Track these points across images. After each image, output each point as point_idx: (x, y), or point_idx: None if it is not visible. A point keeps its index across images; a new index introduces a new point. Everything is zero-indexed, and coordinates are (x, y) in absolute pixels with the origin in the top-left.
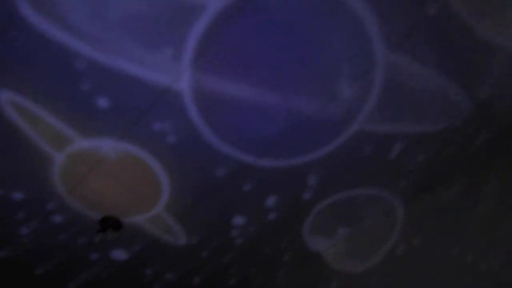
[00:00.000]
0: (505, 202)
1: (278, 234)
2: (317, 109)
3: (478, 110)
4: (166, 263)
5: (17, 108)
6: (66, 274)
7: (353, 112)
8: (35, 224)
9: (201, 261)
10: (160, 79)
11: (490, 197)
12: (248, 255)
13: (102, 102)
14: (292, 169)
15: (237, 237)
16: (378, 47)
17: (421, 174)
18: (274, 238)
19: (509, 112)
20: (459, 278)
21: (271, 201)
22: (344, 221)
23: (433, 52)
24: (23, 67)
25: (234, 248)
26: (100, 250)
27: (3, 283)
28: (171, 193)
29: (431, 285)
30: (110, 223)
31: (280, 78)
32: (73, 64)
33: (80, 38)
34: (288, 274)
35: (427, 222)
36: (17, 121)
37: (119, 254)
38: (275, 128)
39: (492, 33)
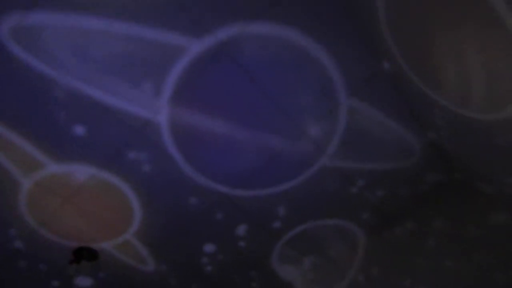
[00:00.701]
0: (451, 239)
1: (248, 262)
2: (286, 145)
3: (427, 151)
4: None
5: None
6: None
7: (319, 150)
8: None
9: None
10: (139, 112)
11: (438, 233)
12: (218, 284)
13: (78, 130)
14: (262, 199)
15: (207, 265)
16: (340, 92)
17: (381, 209)
18: (243, 266)
19: (456, 156)
20: None
21: (241, 229)
22: (311, 250)
23: (387, 99)
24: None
25: (204, 276)
26: (62, 277)
27: None
28: (142, 219)
29: None
30: (85, 254)
31: (251, 117)
32: (51, 92)
33: (61, 70)
34: None
35: (385, 253)
36: None
37: (83, 281)
38: (247, 161)
39: (432, 90)
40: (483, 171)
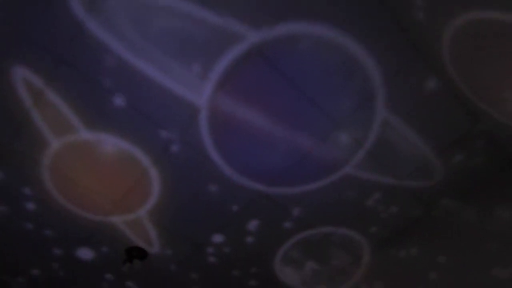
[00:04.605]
0: (458, 268)
1: (251, 258)
2: (316, 147)
3: (447, 176)
4: (131, 270)
5: (29, 88)
6: (20, 265)
7: (346, 157)
8: (4, 207)
9: (168, 273)
10: (182, 92)
11: (443, 265)
12: (216, 276)
13: (118, 101)
14: (281, 198)
15: (210, 255)
16: (379, 103)
17: (391, 225)
18: (246, 261)
19: (475, 184)
20: None
21: (253, 225)
22: (314, 256)
23: (422, 121)
24: (53, 49)
25: (205, 266)
26: (65, 246)
27: None
28: (159, 200)
29: None
30: (135, 253)
31: (290, 114)
32: (102, 58)
33: (118, 39)
34: None
35: (390, 270)
36: (25, 100)
37: (85, 253)
38: (276, 159)
39: (482, 102)
40: None
